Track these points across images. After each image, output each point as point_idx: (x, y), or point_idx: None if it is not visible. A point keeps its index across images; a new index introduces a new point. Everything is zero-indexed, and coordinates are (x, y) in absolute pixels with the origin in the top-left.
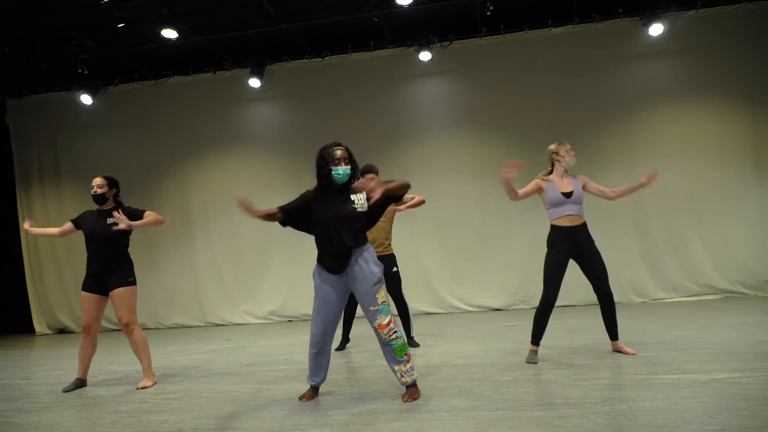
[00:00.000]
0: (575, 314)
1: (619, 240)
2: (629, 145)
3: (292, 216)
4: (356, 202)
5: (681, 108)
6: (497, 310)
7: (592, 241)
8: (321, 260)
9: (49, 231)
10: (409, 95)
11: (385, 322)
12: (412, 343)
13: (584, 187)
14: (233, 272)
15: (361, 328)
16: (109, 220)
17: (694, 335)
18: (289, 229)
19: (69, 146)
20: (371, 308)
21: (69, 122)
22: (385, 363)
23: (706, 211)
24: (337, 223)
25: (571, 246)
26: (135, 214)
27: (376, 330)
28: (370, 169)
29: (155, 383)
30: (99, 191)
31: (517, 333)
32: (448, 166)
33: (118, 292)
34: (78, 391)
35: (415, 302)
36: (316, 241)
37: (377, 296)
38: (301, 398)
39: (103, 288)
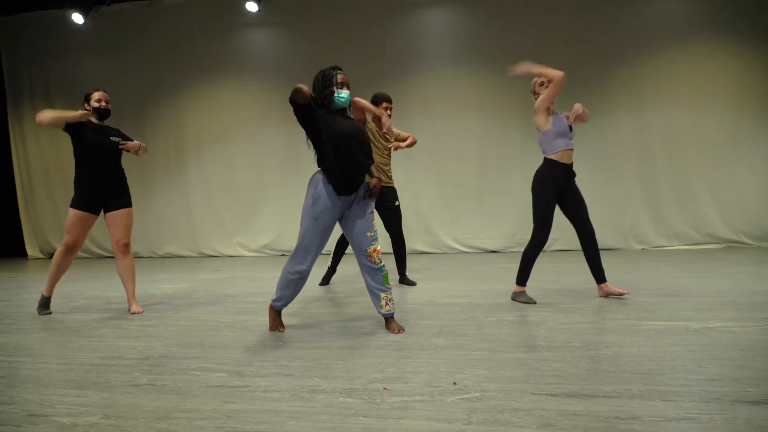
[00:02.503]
0: (568, 258)
1: (621, 184)
2: (638, 87)
3: (311, 107)
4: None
5: (694, 49)
6: (493, 252)
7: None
8: (330, 177)
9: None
10: (412, 28)
11: (379, 248)
12: (406, 281)
13: None
14: (227, 203)
15: (343, 267)
16: (113, 139)
17: (690, 283)
18: (284, 158)
19: (60, 67)
20: (368, 233)
21: (60, 42)
22: (368, 299)
23: (714, 158)
24: (353, 139)
25: (564, 183)
26: (124, 136)
27: (368, 257)
28: (387, 98)
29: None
30: (105, 105)
31: (509, 275)
32: (449, 102)
33: (122, 213)
34: (54, 314)
35: (410, 241)
36: (327, 158)
37: (373, 222)
38: (273, 330)
39: (98, 208)
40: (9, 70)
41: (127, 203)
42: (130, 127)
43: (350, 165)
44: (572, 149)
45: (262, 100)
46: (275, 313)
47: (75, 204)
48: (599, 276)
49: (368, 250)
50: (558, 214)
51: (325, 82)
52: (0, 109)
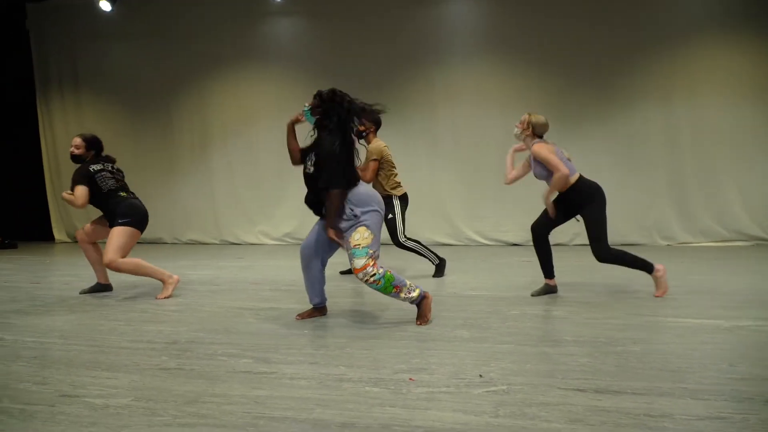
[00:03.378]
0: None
1: (647, 179)
2: (667, 80)
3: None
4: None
5: (726, 41)
6: (514, 245)
7: None
8: None
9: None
10: (436, 18)
11: (359, 266)
12: (439, 271)
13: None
14: (251, 192)
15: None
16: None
17: (718, 280)
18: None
19: (88, 54)
20: (347, 252)
21: (89, 30)
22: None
23: (744, 153)
24: (306, 180)
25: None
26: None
27: (354, 274)
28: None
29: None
30: (76, 152)
31: (532, 269)
32: (471, 94)
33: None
34: (84, 296)
35: (431, 233)
36: None
37: (350, 240)
38: (297, 316)
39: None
40: (38, 56)
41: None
42: (155, 116)
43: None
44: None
45: (286, 88)
46: (312, 308)
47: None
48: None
49: (352, 268)
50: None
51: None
52: (29, 94)
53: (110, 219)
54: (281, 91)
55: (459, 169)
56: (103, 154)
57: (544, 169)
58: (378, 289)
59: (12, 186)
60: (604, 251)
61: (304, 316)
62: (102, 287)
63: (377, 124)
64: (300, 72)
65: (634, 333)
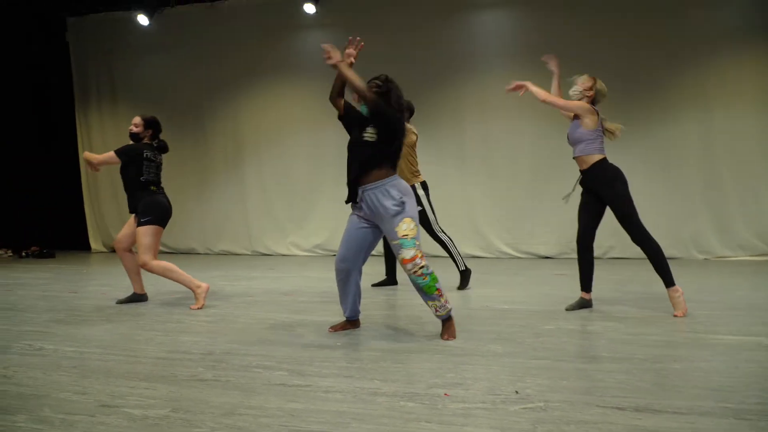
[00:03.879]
0: (626, 266)
1: (683, 192)
2: (703, 91)
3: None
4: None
5: (761, 51)
6: (546, 257)
7: None
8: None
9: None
10: (466, 28)
11: (408, 257)
12: (463, 281)
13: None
14: (283, 203)
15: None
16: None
17: (758, 296)
18: (338, 159)
19: (125, 67)
20: (393, 242)
21: (126, 42)
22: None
23: None
24: (352, 150)
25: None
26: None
27: (404, 265)
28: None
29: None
30: (134, 130)
31: (566, 282)
32: (502, 105)
33: (138, 230)
34: (121, 306)
35: (462, 245)
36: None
37: (397, 229)
38: (330, 329)
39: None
40: (77, 68)
41: (142, 221)
42: (191, 126)
43: (349, 174)
44: None
45: (318, 100)
46: (345, 320)
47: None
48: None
49: (398, 259)
50: (608, 216)
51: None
52: (68, 105)
53: (132, 206)
54: (313, 103)
55: (490, 181)
56: (161, 137)
57: (579, 133)
58: (423, 285)
59: (50, 196)
60: (636, 228)
61: (337, 328)
62: (138, 297)
63: (411, 112)
64: (331, 82)
65: (672, 350)
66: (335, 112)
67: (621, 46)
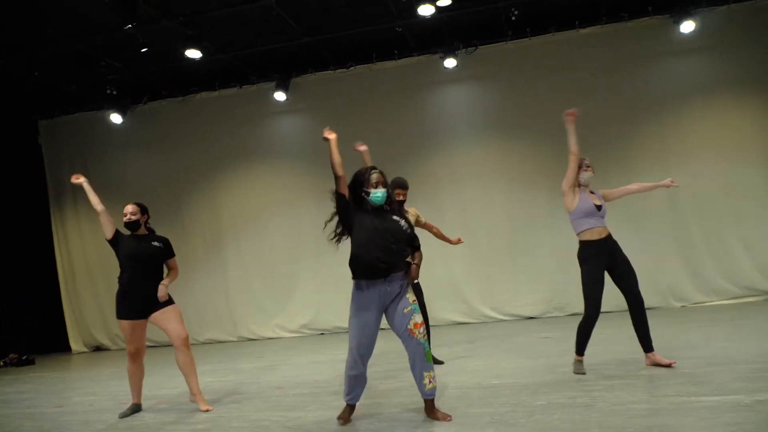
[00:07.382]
0: (610, 322)
1: (655, 244)
2: (662, 145)
3: (345, 201)
4: (400, 220)
5: (715, 106)
6: (531, 318)
7: (621, 249)
8: (355, 272)
9: (94, 199)
10: (436, 103)
11: (420, 321)
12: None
13: (606, 198)
14: (264, 285)
15: (381, 345)
16: (155, 244)
17: (736, 348)
18: (317, 238)
19: (100, 165)
20: (405, 310)
21: (100, 141)
22: (412, 380)
23: (744, 210)
24: (376, 234)
25: (606, 258)
26: (167, 243)
27: (410, 332)
28: (402, 185)
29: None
30: (133, 218)
31: (552, 346)
32: (475, 172)
33: (171, 310)
34: (112, 421)
35: (446, 312)
36: (353, 247)
37: (408, 296)
38: (340, 422)
39: (146, 311)
40: (51, 169)
41: (172, 300)
42: (168, 216)
43: (377, 252)
44: (602, 226)
45: (295, 182)
46: (348, 407)
47: (120, 314)
48: (647, 345)
49: (409, 326)
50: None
51: (359, 185)
52: (43, 207)
53: (149, 301)
54: (289, 185)
55: (469, 246)
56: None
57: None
58: (426, 350)
59: (27, 299)
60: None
61: (345, 418)
62: (137, 407)
63: (402, 187)
64: (306, 165)
65: (660, 418)
66: (310, 192)
67: (577, 103)
